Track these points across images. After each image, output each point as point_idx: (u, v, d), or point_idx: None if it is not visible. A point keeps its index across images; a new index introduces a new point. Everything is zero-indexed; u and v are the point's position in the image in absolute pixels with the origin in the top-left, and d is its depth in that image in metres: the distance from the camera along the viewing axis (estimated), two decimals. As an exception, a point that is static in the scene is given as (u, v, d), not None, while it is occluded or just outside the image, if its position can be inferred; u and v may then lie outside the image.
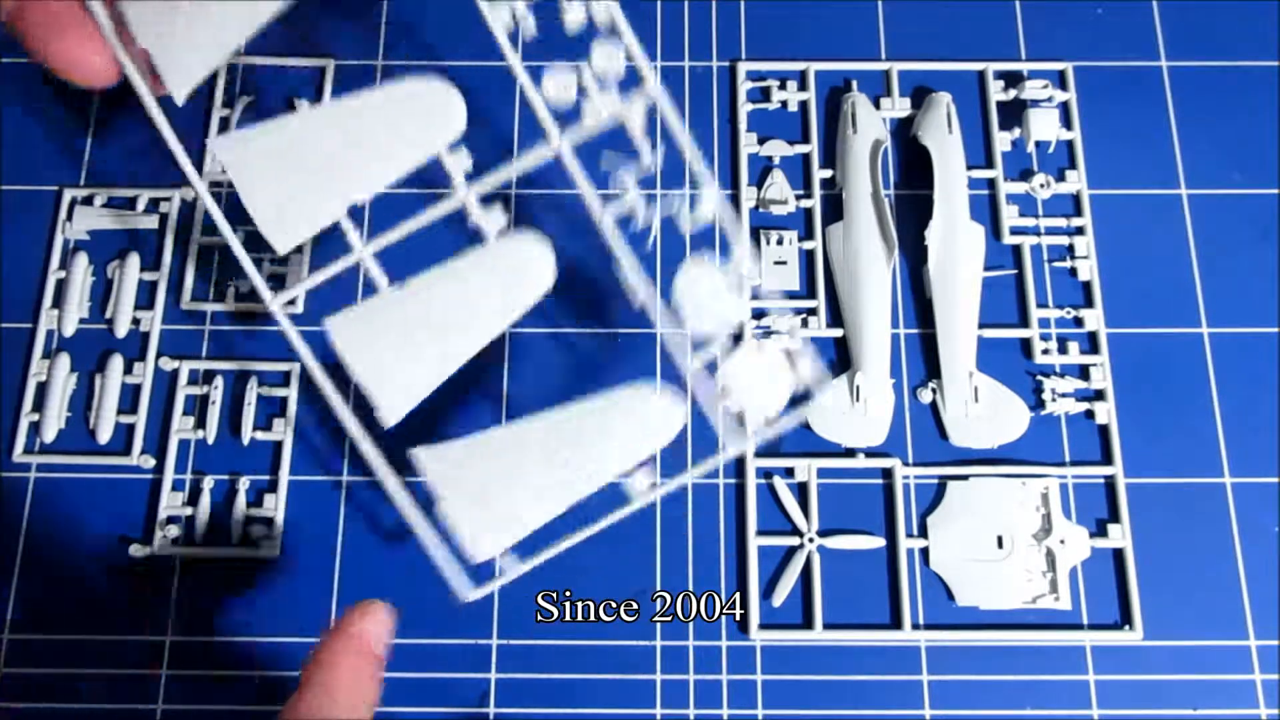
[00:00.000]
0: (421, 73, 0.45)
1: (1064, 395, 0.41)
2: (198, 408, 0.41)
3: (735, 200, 0.44)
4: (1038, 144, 0.45)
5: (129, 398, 0.41)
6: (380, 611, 0.31)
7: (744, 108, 0.45)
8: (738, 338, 0.40)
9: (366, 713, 0.29)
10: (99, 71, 0.28)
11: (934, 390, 0.41)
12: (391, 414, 0.31)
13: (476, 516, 0.31)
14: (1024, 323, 0.42)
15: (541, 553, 0.32)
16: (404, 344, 0.30)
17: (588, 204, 0.31)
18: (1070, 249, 0.43)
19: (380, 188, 0.30)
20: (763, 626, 0.39)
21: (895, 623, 0.39)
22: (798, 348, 0.32)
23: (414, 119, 0.30)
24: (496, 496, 0.30)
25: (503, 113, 0.45)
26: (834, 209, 0.44)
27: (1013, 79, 0.45)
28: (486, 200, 0.31)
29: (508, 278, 0.31)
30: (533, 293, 0.31)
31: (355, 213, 0.31)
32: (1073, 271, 0.43)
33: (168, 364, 0.42)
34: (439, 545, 0.31)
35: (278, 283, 0.43)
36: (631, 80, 0.31)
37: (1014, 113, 0.45)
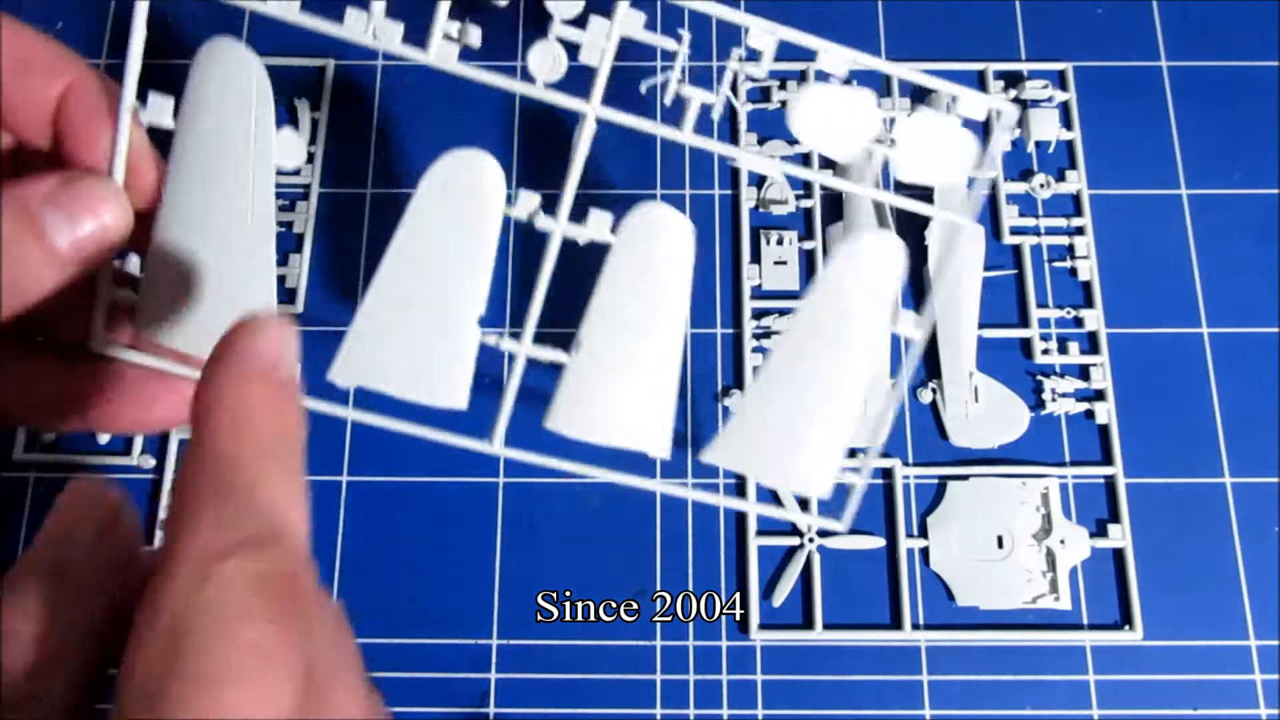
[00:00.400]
0: (421, 74, 0.46)
1: (1064, 395, 0.41)
2: (198, 408, 0.41)
3: (734, 200, 0.44)
4: (1038, 144, 0.45)
5: (129, 398, 0.41)
6: (270, 326, 0.21)
7: (744, 108, 0.45)
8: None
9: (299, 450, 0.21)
10: (173, 420, 0.27)
11: (934, 390, 0.41)
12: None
13: (800, 471, 0.30)
14: (1024, 323, 0.42)
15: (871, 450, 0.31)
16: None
17: (662, 136, 0.29)
18: (1070, 249, 0.43)
19: (487, 285, 0.28)
20: (763, 626, 0.39)
21: (895, 623, 0.39)
22: None
23: (463, 206, 0.28)
24: (800, 443, 0.29)
25: (501, 120, 0.45)
26: (834, 209, 0.44)
27: (1013, 79, 0.45)
28: (576, 216, 0.29)
29: (657, 263, 0.29)
30: (685, 264, 0.29)
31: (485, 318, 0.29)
32: (1073, 271, 0.43)
33: (168, 364, 0.42)
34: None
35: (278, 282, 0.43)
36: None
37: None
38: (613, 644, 0.38)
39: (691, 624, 0.39)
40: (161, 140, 0.27)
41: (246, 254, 0.27)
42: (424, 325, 0.28)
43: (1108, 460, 0.41)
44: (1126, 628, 0.39)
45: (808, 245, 0.43)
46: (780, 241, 0.43)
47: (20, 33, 0.25)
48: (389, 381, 0.28)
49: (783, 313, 0.42)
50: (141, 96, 0.26)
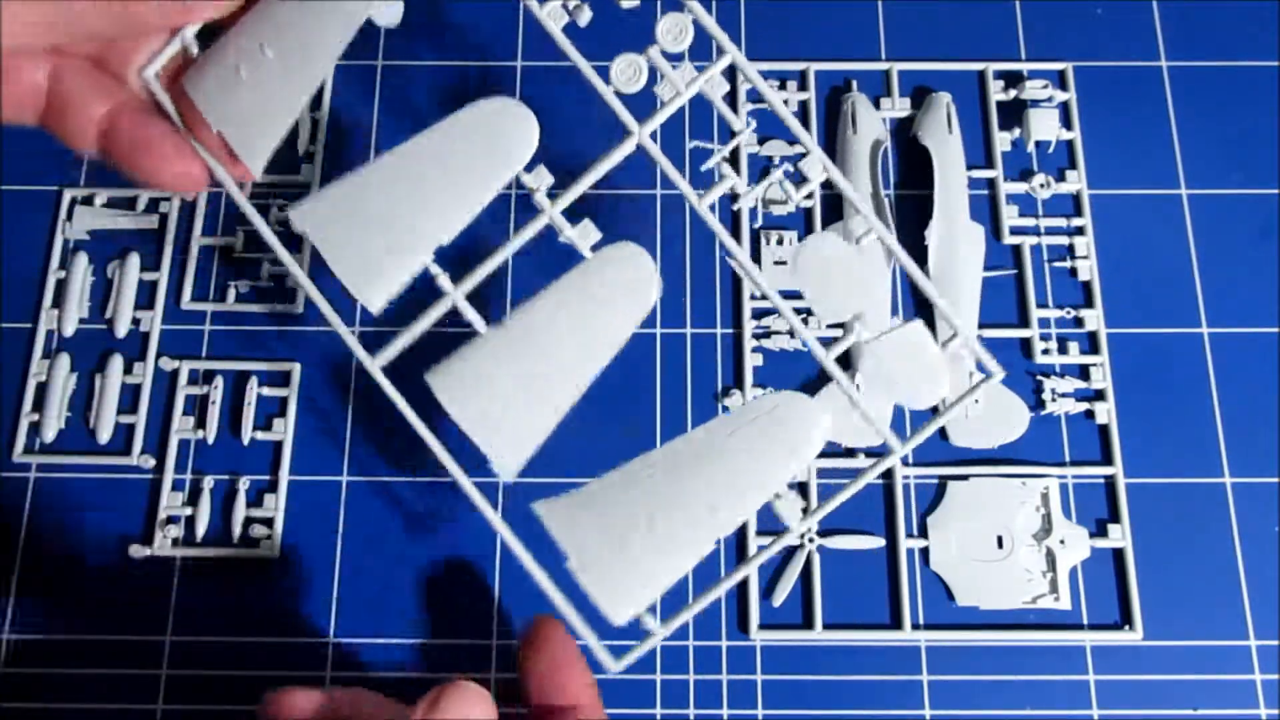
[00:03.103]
0: (421, 74, 0.46)
1: (1064, 395, 0.41)
2: (198, 408, 0.41)
3: (734, 200, 0.44)
4: (1038, 144, 0.45)
5: (129, 398, 0.41)
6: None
7: (744, 107, 0.45)
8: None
9: None
10: (191, 181, 0.29)
11: (934, 390, 0.41)
12: (509, 470, 0.29)
13: (612, 578, 0.28)
14: (1024, 323, 0.42)
15: (689, 608, 0.29)
16: (514, 391, 0.29)
17: (683, 193, 0.29)
18: (1070, 249, 0.43)
19: (463, 223, 0.29)
20: (763, 626, 0.39)
21: (895, 623, 0.39)
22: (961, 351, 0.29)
23: (484, 146, 0.28)
24: (629, 552, 0.28)
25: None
26: (834, 209, 0.44)
27: (1013, 79, 0.45)
28: (572, 216, 0.29)
29: (612, 297, 0.28)
30: (641, 307, 0.28)
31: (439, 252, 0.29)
32: (1073, 271, 0.43)
33: (168, 364, 0.42)
34: (577, 618, 0.28)
35: (277, 282, 0.43)
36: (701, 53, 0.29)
37: (1014, 113, 0.45)
38: (612, 643, 0.38)
39: (691, 624, 0.39)
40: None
41: (301, 79, 0.28)
42: (389, 219, 0.29)
43: (1108, 460, 0.41)
44: (1126, 628, 0.39)
45: (808, 245, 0.43)
46: (780, 241, 0.43)
47: None
48: (329, 247, 0.28)
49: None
50: None
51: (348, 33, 0.28)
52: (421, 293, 0.28)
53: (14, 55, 0.27)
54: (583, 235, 0.29)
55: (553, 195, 0.29)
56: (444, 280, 0.29)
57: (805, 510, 0.29)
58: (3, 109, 0.28)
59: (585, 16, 0.29)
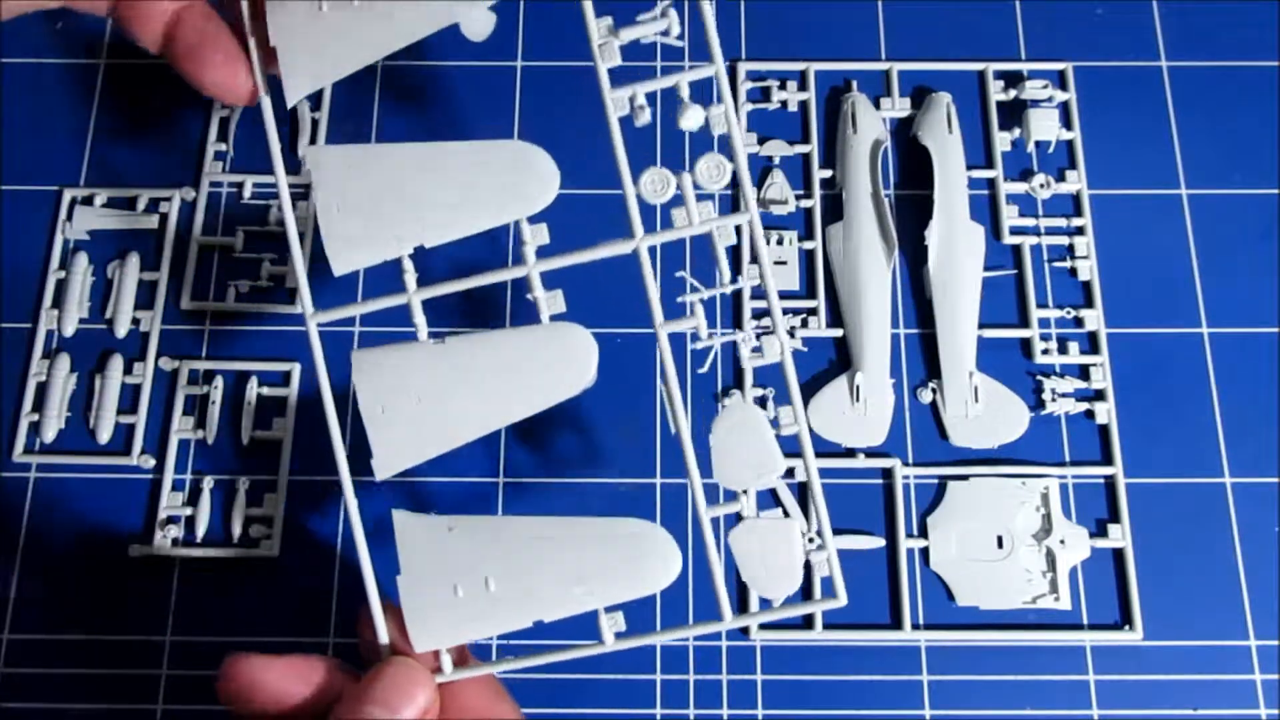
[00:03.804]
0: (421, 74, 0.46)
1: (1064, 395, 0.41)
2: (198, 408, 0.41)
3: (734, 200, 0.44)
4: (1038, 144, 0.45)
5: (129, 398, 0.41)
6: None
7: (744, 108, 0.45)
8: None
9: None
10: (245, 93, 0.30)
11: (934, 390, 0.41)
12: (384, 469, 0.30)
13: (428, 612, 0.29)
14: (1024, 323, 0.42)
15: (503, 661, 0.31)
16: (422, 404, 0.29)
17: (651, 311, 0.30)
18: (1070, 249, 0.43)
19: (451, 238, 0.30)
20: (763, 626, 0.39)
21: (895, 623, 0.39)
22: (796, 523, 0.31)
23: (506, 181, 0.29)
24: (455, 597, 0.29)
25: (501, 120, 0.45)
26: (834, 209, 0.44)
27: (1013, 79, 0.45)
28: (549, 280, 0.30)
29: (550, 365, 0.29)
30: (570, 388, 0.29)
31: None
32: (1073, 271, 0.43)
33: (168, 364, 0.42)
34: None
35: (277, 282, 0.43)
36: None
37: (1014, 113, 0.45)
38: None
39: (691, 623, 0.39)
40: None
41: (371, 44, 0.30)
42: (392, 201, 0.30)
43: (1108, 460, 0.41)
44: (1126, 628, 0.39)
45: (808, 245, 0.43)
46: (780, 241, 0.43)
47: None
48: (326, 193, 0.30)
49: (782, 313, 0.42)
50: None
51: (431, 28, 0.29)
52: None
53: None
54: (550, 302, 0.30)
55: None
56: (410, 278, 0.30)
57: (617, 635, 0.30)
58: None
59: (644, 118, 0.30)
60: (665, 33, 0.30)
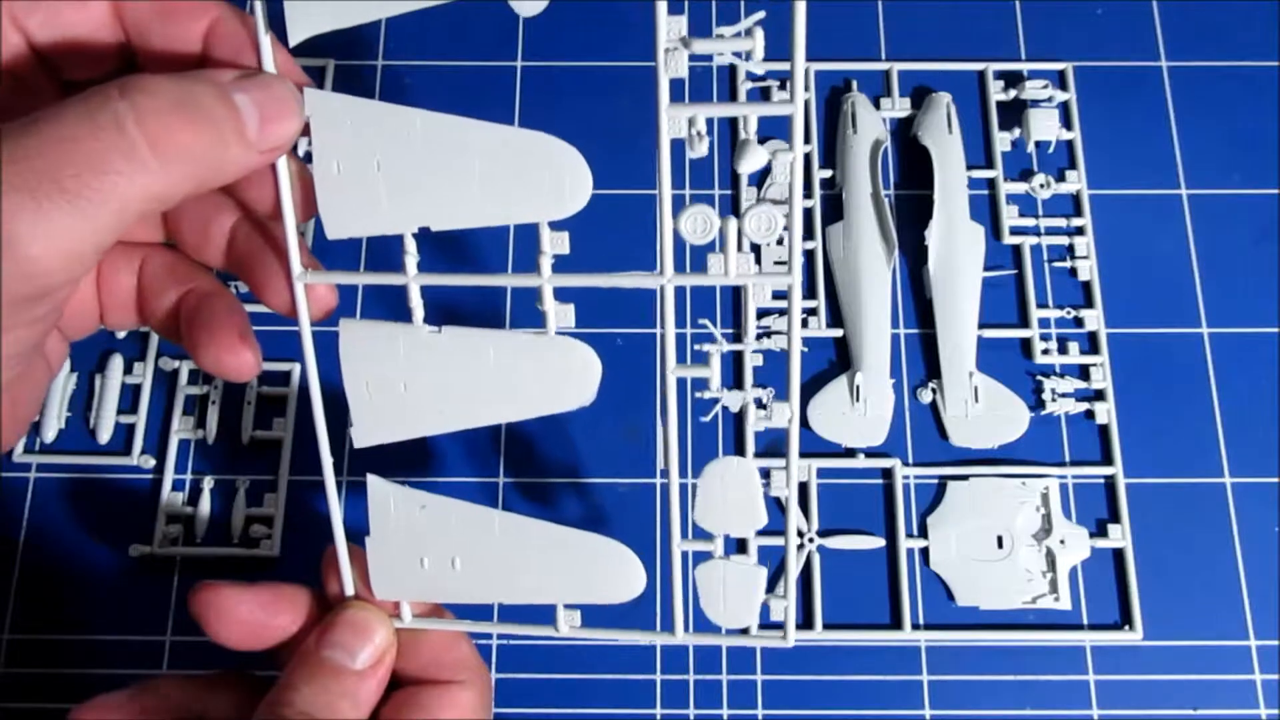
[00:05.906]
0: (421, 74, 0.46)
1: (1064, 395, 0.41)
2: (198, 408, 0.41)
3: (734, 201, 0.44)
4: (1038, 144, 0.45)
5: (129, 398, 0.41)
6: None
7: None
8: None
9: None
10: (246, 371, 0.29)
11: (934, 390, 0.41)
12: (362, 438, 0.29)
13: (392, 573, 0.29)
14: (1024, 323, 0.42)
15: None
16: (408, 386, 0.28)
17: (663, 348, 0.29)
18: (1070, 249, 0.43)
19: (462, 226, 0.27)
20: (763, 626, 0.39)
21: (895, 623, 0.39)
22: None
23: (533, 178, 0.27)
24: (420, 567, 0.29)
25: (500, 120, 0.45)
26: (834, 209, 0.44)
27: (1013, 79, 0.45)
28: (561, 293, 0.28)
29: (549, 378, 0.28)
30: (565, 404, 0.28)
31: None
32: (1073, 271, 0.43)
33: (168, 364, 0.42)
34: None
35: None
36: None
37: (1014, 113, 0.45)
38: (613, 644, 0.38)
39: (691, 623, 0.39)
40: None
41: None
42: (400, 170, 0.27)
43: (1107, 460, 0.41)
44: (1126, 628, 0.39)
45: (808, 245, 0.43)
46: (780, 241, 0.43)
47: None
48: (325, 149, 0.27)
49: (782, 313, 0.42)
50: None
51: None
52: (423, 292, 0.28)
53: (112, 261, 0.28)
54: (559, 315, 0.28)
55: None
56: (411, 262, 0.28)
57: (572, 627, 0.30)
58: (109, 319, 0.29)
59: (701, 149, 0.28)
60: (746, 56, 0.26)
